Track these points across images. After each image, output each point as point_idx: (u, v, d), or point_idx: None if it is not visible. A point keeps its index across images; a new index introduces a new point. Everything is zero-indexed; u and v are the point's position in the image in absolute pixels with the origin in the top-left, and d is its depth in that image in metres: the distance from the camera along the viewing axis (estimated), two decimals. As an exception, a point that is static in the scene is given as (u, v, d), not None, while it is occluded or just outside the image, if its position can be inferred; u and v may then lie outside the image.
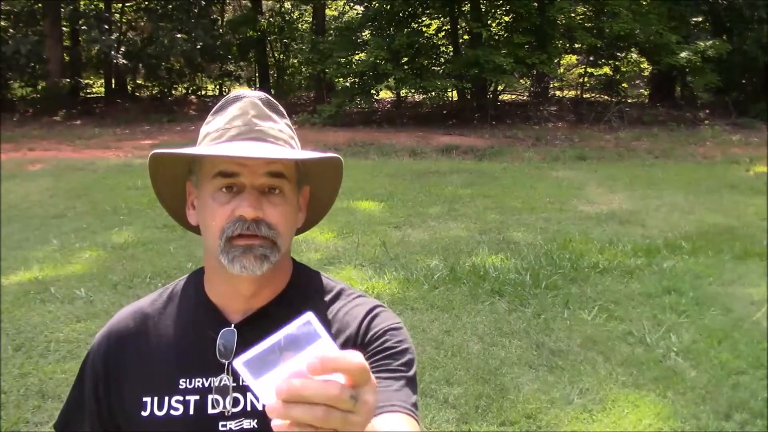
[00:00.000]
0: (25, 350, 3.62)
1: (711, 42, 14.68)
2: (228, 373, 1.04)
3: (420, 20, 17.09)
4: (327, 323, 1.08)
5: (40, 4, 17.36)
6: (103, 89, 21.58)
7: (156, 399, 1.05)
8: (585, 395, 3.27)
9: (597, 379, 3.42)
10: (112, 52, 18.02)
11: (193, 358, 1.06)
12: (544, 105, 16.78)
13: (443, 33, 17.83)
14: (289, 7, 22.54)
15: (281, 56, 22.95)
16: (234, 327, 1.05)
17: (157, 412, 1.05)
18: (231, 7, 24.03)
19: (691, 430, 2.98)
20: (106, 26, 18.22)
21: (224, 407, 1.03)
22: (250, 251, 0.99)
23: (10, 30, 18.03)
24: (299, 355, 0.66)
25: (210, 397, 1.04)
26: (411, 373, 1.06)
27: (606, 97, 17.51)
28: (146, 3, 20.39)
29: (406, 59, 15.75)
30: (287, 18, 22.55)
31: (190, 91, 22.01)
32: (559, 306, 4.35)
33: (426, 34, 17.15)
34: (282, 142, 1.05)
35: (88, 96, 20.31)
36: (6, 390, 3.18)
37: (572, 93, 19.08)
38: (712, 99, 17.61)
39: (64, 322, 3.99)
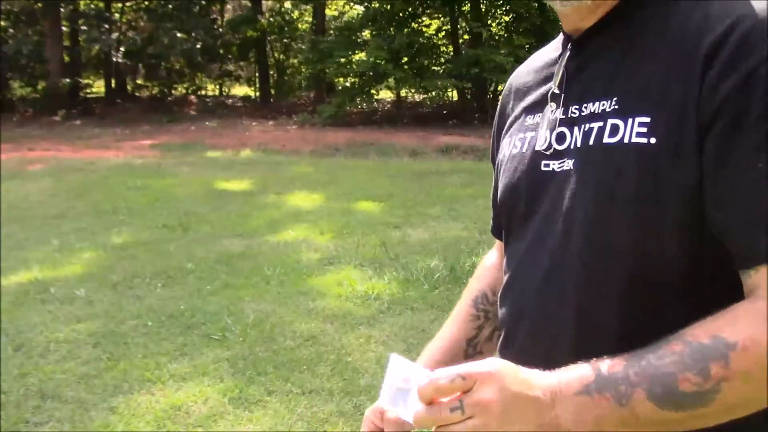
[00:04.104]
0: (24, 350, 3.62)
1: (711, 42, 14.68)
2: (552, 102, 0.91)
3: (420, 20, 17.10)
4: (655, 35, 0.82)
5: (40, 4, 17.36)
6: (103, 89, 21.59)
7: (508, 140, 0.99)
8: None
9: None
10: (112, 52, 18.03)
11: (540, 90, 0.96)
12: (544, 105, 16.77)
13: (443, 33, 17.84)
14: (289, 7, 22.55)
15: (281, 56, 22.96)
16: (570, 47, 0.92)
17: (505, 152, 0.99)
18: (231, 7, 24.03)
19: (691, 430, 2.98)
20: (106, 26, 18.23)
21: (549, 144, 0.89)
22: None
23: (10, 30, 18.04)
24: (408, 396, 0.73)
25: (540, 132, 0.92)
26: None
27: (606, 97, 17.51)
28: (146, 3, 20.41)
29: (406, 59, 15.76)
30: (287, 18, 22.56)
31: (190, 91, 22.02)
32: (559, 306, 4.35)
33: (426, 34, 17.16)
34: None
35: (88, 96, 20.32)
36: (6, 390, 3.18)
37: (572, 93, 19.07)
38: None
39: (63, 322, 3.98)
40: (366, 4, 17.01)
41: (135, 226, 6.28)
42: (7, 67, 17.44)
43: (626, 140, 0.78)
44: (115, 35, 18.73)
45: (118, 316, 4.04)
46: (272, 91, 21.81)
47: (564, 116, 0.88)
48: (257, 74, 22.39)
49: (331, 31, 19.48)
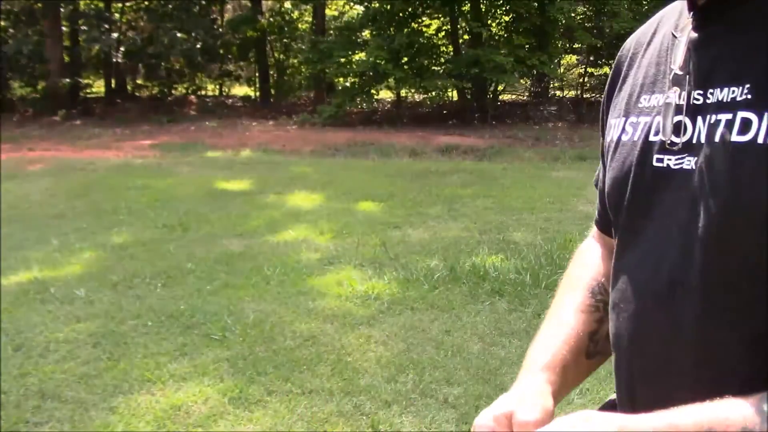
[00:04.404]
0: (24, 350, 3.62)
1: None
2: (675, 86, 0.78)
3: (420, 20, 17.10)
4: None
5: (40, 4, 17.37)
6: (103, 89, 21.59)
7: (618, 122, 0.87)
8: (585, 395, 3.27)
9: (597, 379, 3.42)
10: (112, 52, 18.03)
11: (659, 67, 0.83)
12: (544, 105, 16.79)
13: (443, 33, 17.83)
14: (289, 7, 22.54)
15: (281, 56, 22.94)
16: (692, 16, 0.78)
17: (614, 136, 0.87)
18: (231, 7, 24.03)
19: (691, 430, 2.98)
20: (106, 26, 18.23)
21: (666, 135, 0.77)
22: None
23: (10, 30, 18.04)
24: None
25: (656, 119, 0.80)
26: None
27: (606, 97, 17.53)
28: (146, 3, 20.41)
29: (406, 59, 15.76)
30: (287, 18, 22.55)
31: (190, 91, 22.00)
32: (559, 306, 4.34)
33: (426, 34, 17.16)
34: None
35: (88, 96, 20.32)
36: (6, 390, 3.18)
37: (572, 93, 19.09)
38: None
39: (63, 322, 3.98)
40: (366, 4, 17.00)
41: (135, 226, 6.28)
42: (7, 67, 17.44)
43: (760, 140, 0.67)
44: (115, 35, 18.73)
45: (118, 316, 4.04)
46: (272, 91, 21.81)
47: (685, 102, 0.76)
48: (257, 74, 22.38)
49: (331, 31, 19.49)
